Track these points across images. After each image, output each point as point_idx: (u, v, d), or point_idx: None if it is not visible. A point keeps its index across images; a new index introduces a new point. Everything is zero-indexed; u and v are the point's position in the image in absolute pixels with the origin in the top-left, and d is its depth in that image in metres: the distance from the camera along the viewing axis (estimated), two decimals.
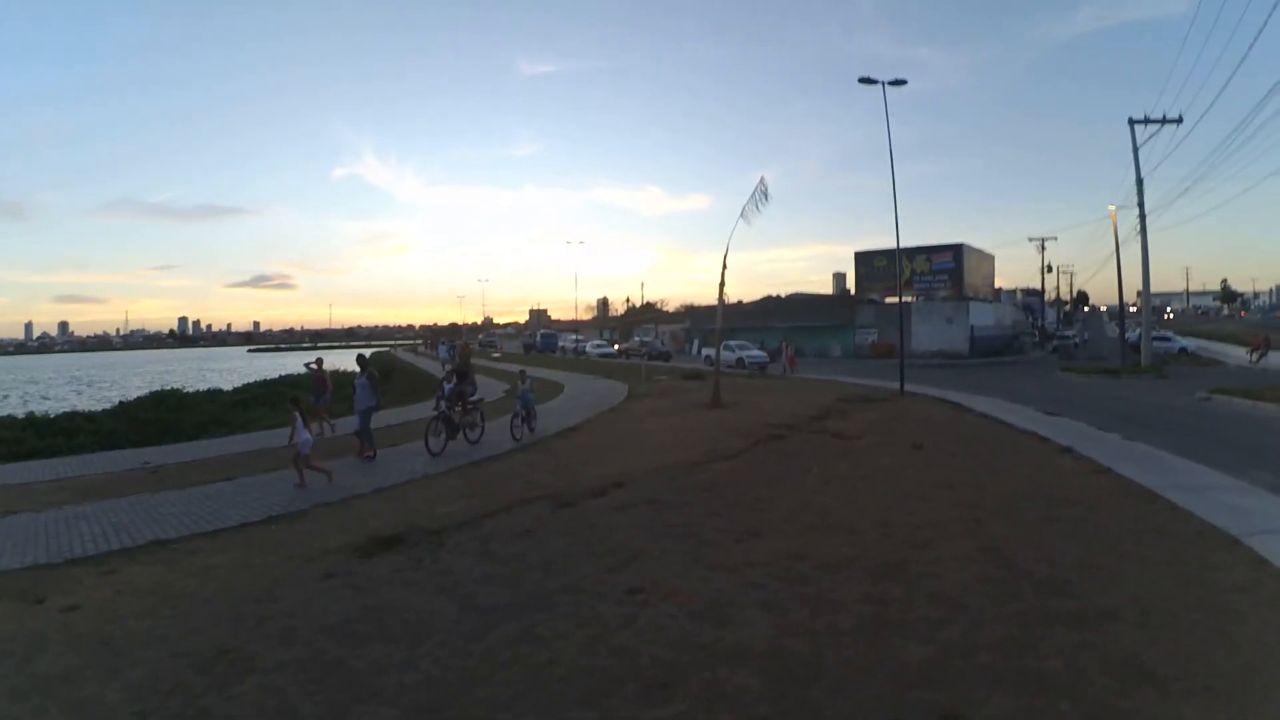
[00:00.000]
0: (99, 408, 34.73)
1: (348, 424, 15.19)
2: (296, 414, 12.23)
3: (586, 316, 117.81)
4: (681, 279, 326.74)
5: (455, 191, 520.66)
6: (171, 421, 26.16)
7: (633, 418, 18.53)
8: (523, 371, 16.75)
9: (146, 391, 39.41)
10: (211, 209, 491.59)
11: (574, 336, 78.53)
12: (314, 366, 18.32)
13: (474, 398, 15.51)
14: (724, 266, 21.37)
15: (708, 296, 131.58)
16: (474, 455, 13.69)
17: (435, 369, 50.41)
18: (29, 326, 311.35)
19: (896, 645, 4.87)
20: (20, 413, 32.56)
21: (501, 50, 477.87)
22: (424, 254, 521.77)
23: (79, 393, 55.00)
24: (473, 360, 51.94)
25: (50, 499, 12.21)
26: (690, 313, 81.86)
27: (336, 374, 45.19)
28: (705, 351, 47.58)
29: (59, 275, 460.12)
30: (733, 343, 40.43)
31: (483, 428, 15.33)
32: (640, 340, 67.01)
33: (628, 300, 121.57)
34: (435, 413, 14.47)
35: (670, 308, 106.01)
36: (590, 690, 4.45)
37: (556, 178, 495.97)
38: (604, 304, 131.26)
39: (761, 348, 42.41)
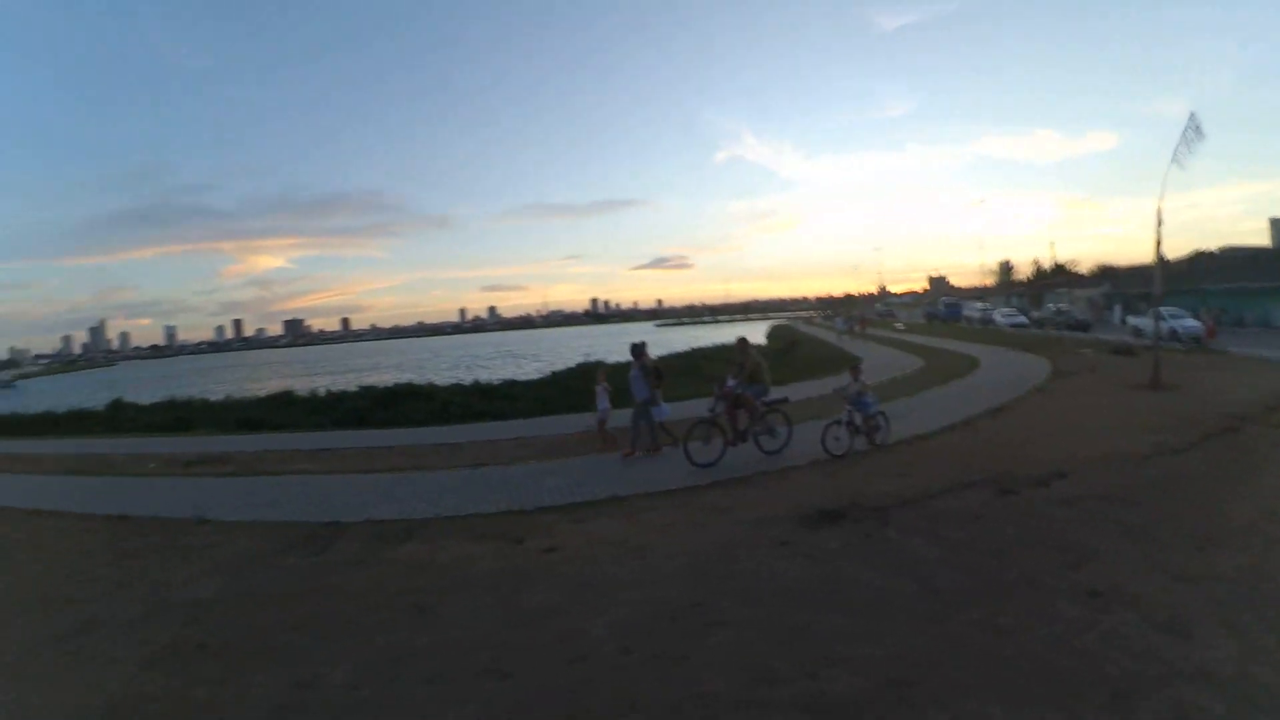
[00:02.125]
0: (532, 377, 38.82)
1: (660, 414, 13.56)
2: (599, 386, 14.13)
3: (989, 282, 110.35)
4: (1090, 233, 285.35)
5: (835, 160, 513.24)
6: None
7: (1062, 398, 17.01)
8: (855, 366, 13.50)
9: (574, 363, 43.46)
10: (609, 203, 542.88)
11: (979, 304, 73.52)
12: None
13: (769, 398, 12.83)
14: (1159, 221, 18.64)
15: (1124, 254, 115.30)
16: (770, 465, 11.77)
17: (833, 339, 50.63)
18: (462, 312, 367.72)
19: None
20: (467, 380, 37.91)
21: (857, 6, 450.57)
22: (812, 226, 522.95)
23: (518, 365, 62.49)
24: (871, 330, 51.45)
25: (513, 455, 14.37)
26: (1106, 274, 72.19)
27: (734, 350, 45.90)
28: (1133, 321, 41.22)
29: (484, 270, 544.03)
30: (1163, 310, 35.64)
31: (788, 433, 12.52)
32: (1056, 308, 60.70)
33: (1035, 262, 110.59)
34: (709, 413, 12.40)
35: (1083, 269, 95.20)
36: (1056, 691, 4.43)
37: (937, 133, 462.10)
38: (1007, 268, 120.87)
39: (1196, 316, 36.36)
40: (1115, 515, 7.84)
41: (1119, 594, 5.71)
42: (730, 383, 12.61)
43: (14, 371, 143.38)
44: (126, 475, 15.69)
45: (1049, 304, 65.79)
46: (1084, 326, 46.68)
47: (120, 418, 31.04)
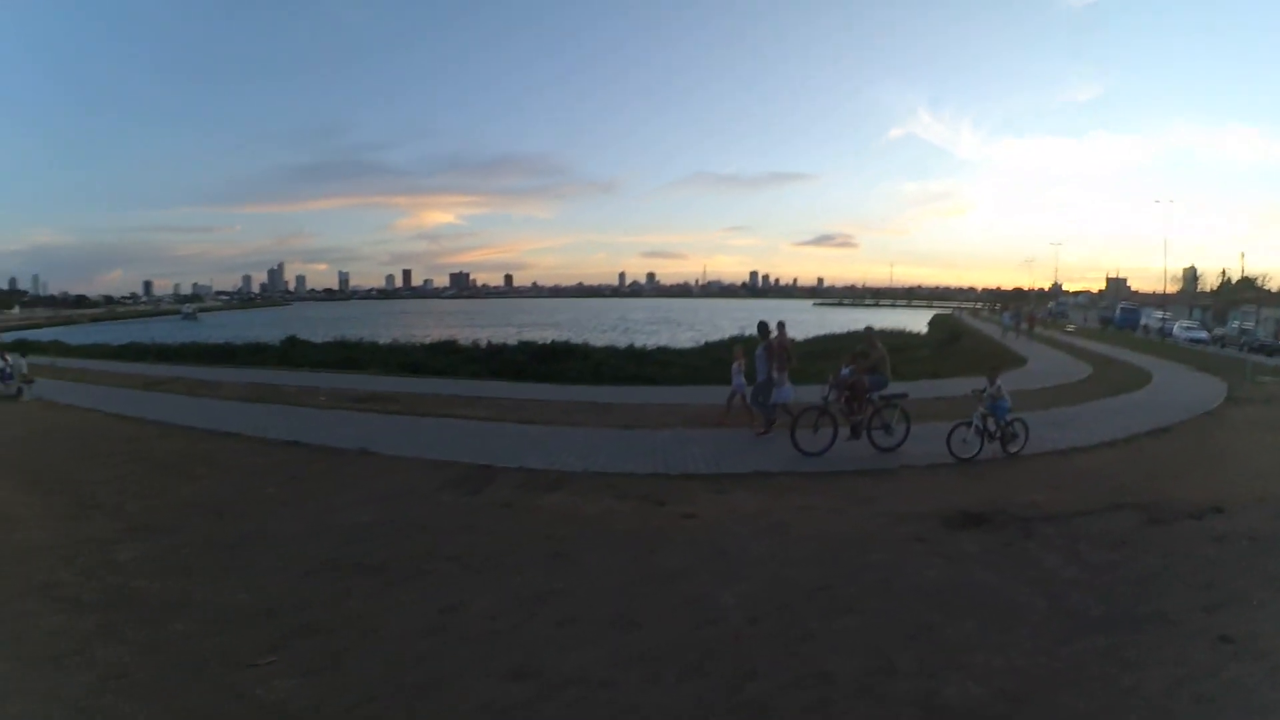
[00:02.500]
0: (685, 346, 39.41)
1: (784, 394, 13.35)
2: (735, 363, 14.22)
3: (1172, 289, 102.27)
4: None
5: (1015, 145, 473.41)
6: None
7: (1232, 427, 15.80)
8: (995, 369, 13.00)
9: (728, 335, 43.88)
10: (776, 176, 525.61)
11: (1159, 314, 67.96)
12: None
13: (888, 392, 12.55)
14: None
15: None
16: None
17: (997, 335, 48.40)
18: (622, 276, 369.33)
19: None
20: (622, 344, 38.85)
21: None
22: (986, 213, 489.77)
23: (672, 332, 63.57)
24: (1039, 330, 48.76)
25: (661, 420, 14.84)
26: None
27: (890, 336, 43.86)
28: None
29: (645, 236, 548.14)
30: None
31: (906, 431, 12.19)
32: (1240, 326, 55.65)
33: (1223, 273, 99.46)
34: (822, 400, 12.19)
35: (1274, 285, 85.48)
36: None
37: (1124, 122, 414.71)
38: (1193, 276, 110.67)
39: None
40: (1265, 561, 7.44)
41: (1252, 644, 5.52)
42: (844, 371, 12.54)
43: (196, 305, 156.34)
44: (298, 405, 17.30)
45: (1233, 321, 60.35)
46: (1273, 351, 42.52)
47: (294, 353, 33.98)
